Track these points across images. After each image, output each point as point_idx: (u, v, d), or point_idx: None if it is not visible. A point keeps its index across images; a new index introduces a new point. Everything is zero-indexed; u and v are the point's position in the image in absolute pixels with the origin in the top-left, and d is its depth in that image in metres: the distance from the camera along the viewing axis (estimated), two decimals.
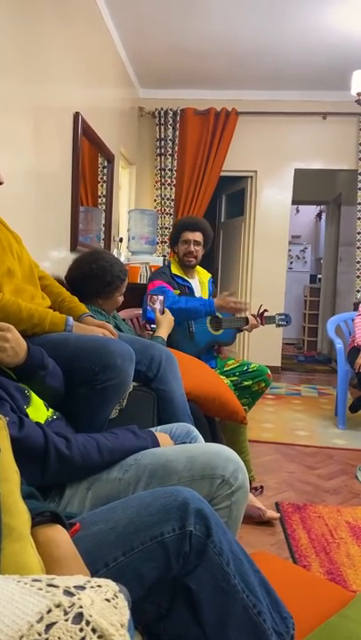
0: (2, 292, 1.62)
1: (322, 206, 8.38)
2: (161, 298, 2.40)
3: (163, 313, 2.43)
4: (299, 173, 5.54)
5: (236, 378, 2.72)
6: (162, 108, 5.22)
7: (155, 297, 2.37)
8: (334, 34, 4.02)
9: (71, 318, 1.70)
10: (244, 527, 2.15)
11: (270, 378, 2.77)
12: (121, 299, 2.26)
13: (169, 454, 1.24)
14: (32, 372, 1.34)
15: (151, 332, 2.31)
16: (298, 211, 8.80)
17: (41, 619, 0.52)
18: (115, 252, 4.26)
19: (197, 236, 2.87)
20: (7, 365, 1.30)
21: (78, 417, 1.49)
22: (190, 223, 2.94)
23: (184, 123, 5.24)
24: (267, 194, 5.54)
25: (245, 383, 2.72)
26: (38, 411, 1.27)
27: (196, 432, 1.62)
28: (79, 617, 0.53)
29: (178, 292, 2.81)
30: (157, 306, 2.33)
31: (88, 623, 0.53)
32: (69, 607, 0.53)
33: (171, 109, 5.21)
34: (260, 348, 5.54)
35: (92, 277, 2.09)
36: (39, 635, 0.51)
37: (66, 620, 0.52)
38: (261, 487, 2.59)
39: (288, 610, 1.05)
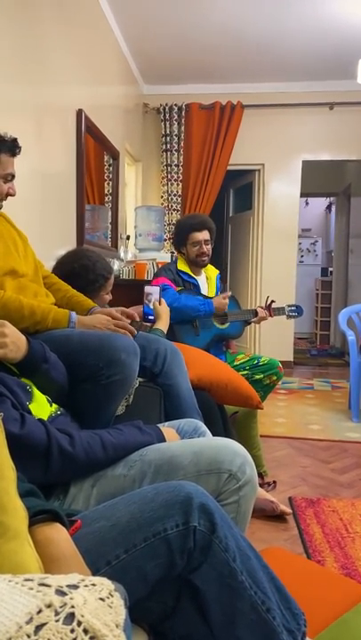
0: (4, 290, 1.61)
1: (331, 198, 8.29)
2: (155, 295, 2.31)
3: (160, 303, 2.35)
4: (307, 165, 5.48)
5: (246, 372, 2.69)
6: (166, 104, 5.19)
7: (149, 294, 2.30)
8: (339, 23, 3.96)
9: (74, 313, 1.68)
10: (257, 523, 2.12)
11: (282, 371, 2.74)
12: (108, 297, 2.19)
13: (174, 449, 1.21)
14: (35, 366, 1.32)
15: (149, 325, 2.26)
16: (307, 203, 8.72)
17: (30, 619, 0.50)
18: (122, 250, 4.24)
19: (206, 235, 2.85)
20: (11, 361, 1.28)
21: (84, 413, 1.47)
22: (196, 223, 2.89)
23: (189, 118, 5.21)
24: (275, 187, 5.49)
25: (257, 377, 2.69)
26: (41, 407, 1.25)
27: (204, 428, 1.59)
28: (70, 617, 0.50)
29: (181, 288, 2.79)
30: (153, 298, 2.27)
31: (80, 623, 0.50)
32: (60, 607, 0.51)
33: (175, 105, 5.17)
34: (272, 342, 5.49)
35: (75, 276, 2.04)
36: (28, 636, 0.49)
37: (57, 621, 0.50)
38: (274, 482, 2.55)
39: (300, 606, 1.02)
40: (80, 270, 2.07)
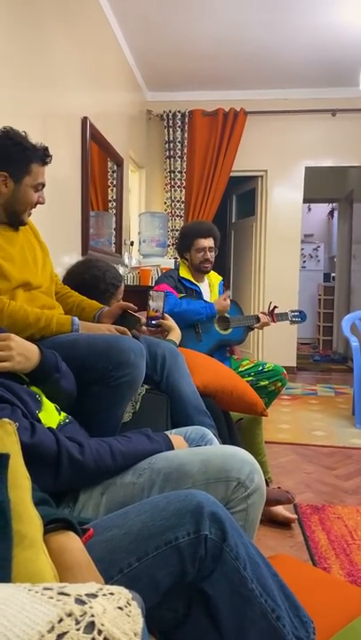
0: (14, 300, 1.62)
1: (334, 204, 8.32)
2: (161, 302, 2.29)
3: (163, 317, 2.35)
4: (309, 171, 5.50)
5: (251, 378, 2.70)
6: (170, 111, 5.22)
7: (153, 305, 2.27)
8: (341, 30, 3.99)
9: (76, 318, 1.70)
10: (263, 530, 2.13)
11: (286, 377, 2.74)
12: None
13: (183, 457, 1.22)
14: (47, 375, 1.33)
15: (155, 330, 2.27)
16: (309, 209, 8.75)
17: (52, 628, 0.51)
18: (126, 256, 4.26)
19: (210, 242, 2.87)
20: (22, 371, 1.29)
21: (92, 418, 1.48)
22: (202, 229, 2.90)
23: (192, 124, 5.24)
24: (278, 193, 5.51)
25: (262, 383, 2.69)
26: (50, 415, 1.26)
27: (211, 435, 1.59)
28: (91, 626, 0.51)
29: (183, 295, 2.80)
30: (159, 313, 2.26)
31: (100, 632, 0.51)
32: (81, 616, 0.52)
33: (179, 111, 5.20)
34: (275, 347, 5.50)
35: (86, 287, 2.06)
36: None
37: (77, 630, 0.51)
38: (279, 488, 2.55)
39: (308, 614, 1.03)
40: (91, 281, 2.09)
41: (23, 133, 1.70)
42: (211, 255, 2.87)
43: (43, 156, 1.71)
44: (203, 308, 2.71)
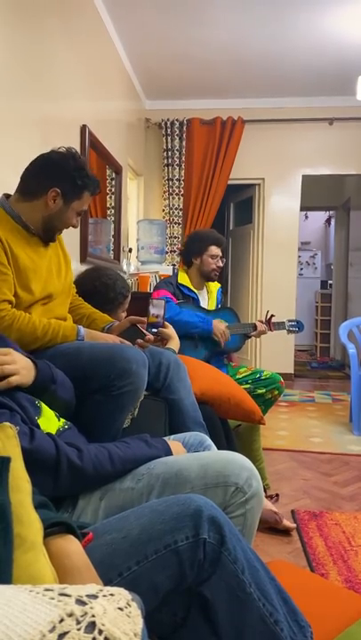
0: (31, 311, 1.63)
1: (331, 212, 8.36)
2: (161, 311, 2.29)
3: (163, 325, 2.35)
4: (307, 179, 5.54)
5: (248, 386, 2.71)
6: (168, 119, 5.25)
7: (153, 311, 2.26)
8: (338, 39, 4.03)
9: (82, 327, 1.71)
10: (261, 536, 2.13)
11: (283, 385, 2.76)
12: (124, 315, 2.25)
13: (181, 463, 1.23)
14: (44, 388, 1.33)
15: (153, 338, 2.27)
16: (307, 217, 8.79)
17: (53, 628, 0.51)
18: (124, 263, 4.28)
19: (220, 252, 2.92)
20: (23, 386, 1.27)
21: (93, 425, 1.48)
22: (219, 238, 2.95)
23: (190, 133, 5.27)
24: (275, 201, 5.54)
25: (259, 391, 2.70)
26: (49, 421, 1.27)
27: (210, 441, 1.60)
28: (91, 626, 0.52)
29: (181, 301, 2.82)
30: (160, 320, 2.26)
31: (101, 632, 0.52)
32: (82, 616, 0.53)
33: (177, 120, 5.24)
34: (273, 355, 5.51)
35: (96, 294, 2.09)
36: None
37: (78, 630, 0.52)
38: (277, 495, 2.56)
39: (306, 618, 1.04)
40: (101, 288, 2.14)
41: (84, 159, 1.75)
42: (222, 263, 2.91)
43: (96, 187, 1.76)
44: (200, 323, 2.72)
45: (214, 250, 2.88)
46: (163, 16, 3.74)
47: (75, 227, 1.80)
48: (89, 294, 2.05)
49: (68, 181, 1.68)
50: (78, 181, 1.69)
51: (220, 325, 2.78)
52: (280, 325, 3.02)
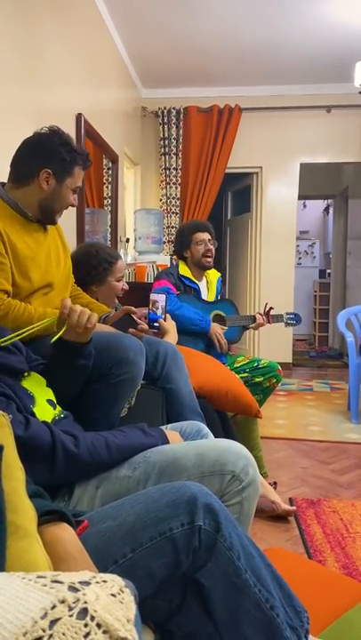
0: (30, 301, 1.62)
1: (329, 200, 8.33)
2: (162, 303, 2.29)
3: (164, 318, 2.32)
4: (304, 168, 5.51)
5: (246, 374, 2.71)
6: (165, 108, 5.21)
7: (155, 302, 2.27)
8: (336, 26, 3.99)
9: None
10: (258, 523, 2.14)
11: (281, 373, 2.76)
12: (119, 284, 2.21)
13: (178, 451, 1.23)
14: (83, 355, 1.41)
15: (155, 331, 2.27)
16: (305, 206, 8.75)
17: (45, 615, 0.51)
18: (122, 252, 4.26)
19: (208, 236, 2.89)
20: (84, 337, 1.39)
21: (90, 414, 1.49)
22: (199, 224, 2.96)
23: (187, 121, 5.23)
24: (273, 189, 5.52)
25: (256, 380, 2.71)
26: (44, 410, 1.26)
27: (207, 430, 1.60)
28: (84, 612, 0.52)
29: (181, 292, 2.81)
30: (159, 305, 2.26)
31: (93, 618, 0.52)
32: (74, 603, 0.53)
33: (174, 108, 5.20)
34: (271, 344, 5.51)
35: (79, 266, 2.07)
36: (43, 631, 0.50)
37: (70, 616, 0.51)
38: (275, 483, 2.57)
39: (302, 604, 1.04)
40: (83, 258, 2.12)
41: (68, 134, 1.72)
42: (211, 246, 2.89)
43: (86, 160, 1.73)
44: (199, 321, 2.72)
45: (200, 236, 2.87)
46: (159, 3, 3.70)
47: (73, 205, 1.77)
48: (74, 267, 2.02)
49: (56, 159, 1.66)
50: (66, 157, 1.66)
51: (217, 329, 2.77)
52: (278, 318, 3.03)
